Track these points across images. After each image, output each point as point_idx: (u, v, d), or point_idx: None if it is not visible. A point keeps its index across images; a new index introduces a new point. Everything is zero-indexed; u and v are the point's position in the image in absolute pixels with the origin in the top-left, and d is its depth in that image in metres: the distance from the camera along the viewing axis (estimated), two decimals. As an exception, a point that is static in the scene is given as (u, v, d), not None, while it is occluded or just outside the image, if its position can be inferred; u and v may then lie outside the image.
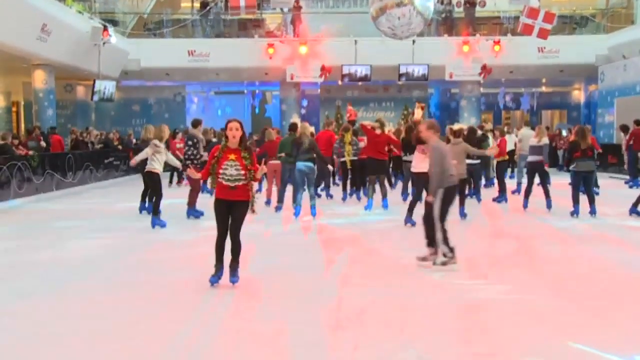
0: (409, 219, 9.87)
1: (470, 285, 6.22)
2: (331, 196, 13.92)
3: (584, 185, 10.59)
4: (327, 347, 4.47)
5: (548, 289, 6.03)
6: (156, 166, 10.11)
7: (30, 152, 14.99)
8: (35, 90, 19.59)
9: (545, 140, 11.81)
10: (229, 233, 6.00)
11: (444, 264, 6.86)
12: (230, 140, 5.96)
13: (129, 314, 5.30)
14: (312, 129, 11.87)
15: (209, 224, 10.18)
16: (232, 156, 5.94)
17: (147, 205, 11.53)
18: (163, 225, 9.96)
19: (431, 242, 7.02)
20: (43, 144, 16.60)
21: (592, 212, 10.56)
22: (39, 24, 16.42)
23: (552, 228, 9.75)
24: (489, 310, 5.33)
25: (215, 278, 6.01)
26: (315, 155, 10.74)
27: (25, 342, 4.62)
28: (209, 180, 6.21)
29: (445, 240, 6.87)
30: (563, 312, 5.27)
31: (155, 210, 10.02)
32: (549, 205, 11.32)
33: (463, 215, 10.71)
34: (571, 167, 10.61)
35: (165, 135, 10.36)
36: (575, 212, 10.60)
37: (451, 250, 6.86)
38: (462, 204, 10.79)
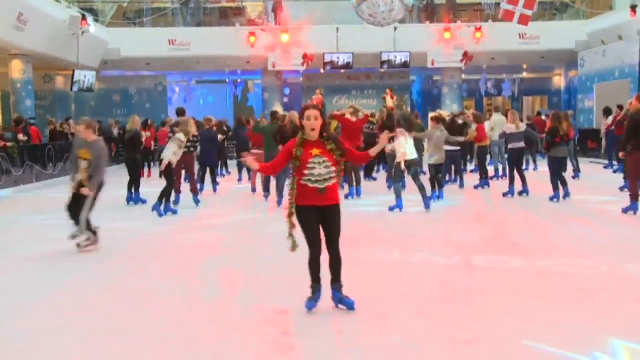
0: (433, 197, 10.61)
1: (454, 271, 6.27)
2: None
3: (559, 169, 10.81)
4: (310, 334, 4.48)
5: (530, 274, 6.09)
6: (174, 159, 10.09)
7: (9, 144, 14.78)
8: (13, 80, 19.31)
9: (523, 126, 11.88)
10: (328, 247, 5.00)
11: (87, 246, 7.42)
12: (309, 133, 4.95)
13: (115, 306, 5.27)
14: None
15: (197, 213, 10.16)
16: (316, 151, 4.94)
17: (134, 195, 11.49)
18: (175, 212, 10.22)
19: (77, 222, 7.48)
20: (21, 136, 16.34)
21: (567, 194, 10.82)
22: (14, 12, 16.14)
23: (532, 214, 9.83)
24: (472, 296, 5.38)
25: (313, 302, 5.02)
26: None
27: (11, 339, 4.58)
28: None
29: (89, 225, 7.39)
30: (545, 295, 5.33)
31: (167, 198, 10.19)
32: (525, 191, 11.44)
33: (441, 197, 11.05)
34: (550, 154, 10.74)
35: (192, 130, 10.21)
36: (555, 197, 10.73)
37: (94, 233, 7.46)
38: (441, 187, 11.15)
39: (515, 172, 11.51)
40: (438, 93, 27.20)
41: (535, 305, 5.05)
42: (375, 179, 14.79)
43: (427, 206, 10.01)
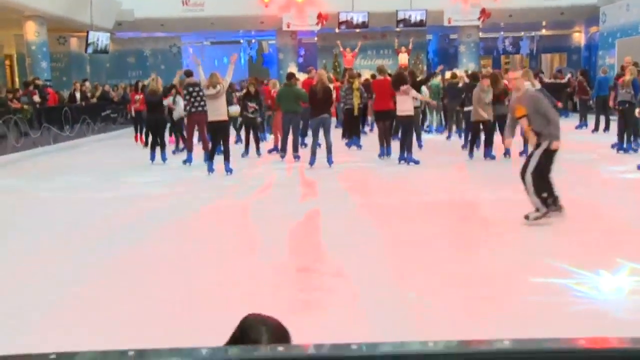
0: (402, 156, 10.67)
1: (470, 231, 6.26)
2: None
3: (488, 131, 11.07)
4: (327, 294, 4.52)
5: (538, 230, 6.07)
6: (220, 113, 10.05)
7: (25, 106, 14.86)
8: (28, 42, 19.29)
9: (537, 84, 11.58)
10: None
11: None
12: None
13: (131, 268, 5.36)
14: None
15: (222, 181, 10.21)
16: None
17: (160, 154, 11.60)
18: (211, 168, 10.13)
19: None
20: (37, 98, 16.38)
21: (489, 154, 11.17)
22: (27, -26, 16.07)
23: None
24: (487, 255, 5.38)
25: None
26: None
27: (15, 299, 4.69)
28: None
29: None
30: (557, 251, 5.31)
31: (212, 155, 10.23)
32: (524, 151, 11.33)
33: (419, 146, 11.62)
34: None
35: (220, 80, 10.17)
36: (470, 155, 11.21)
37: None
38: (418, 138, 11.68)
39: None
40: (455, 52, 26.78)
41: (548, 261, 5.05)
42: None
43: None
